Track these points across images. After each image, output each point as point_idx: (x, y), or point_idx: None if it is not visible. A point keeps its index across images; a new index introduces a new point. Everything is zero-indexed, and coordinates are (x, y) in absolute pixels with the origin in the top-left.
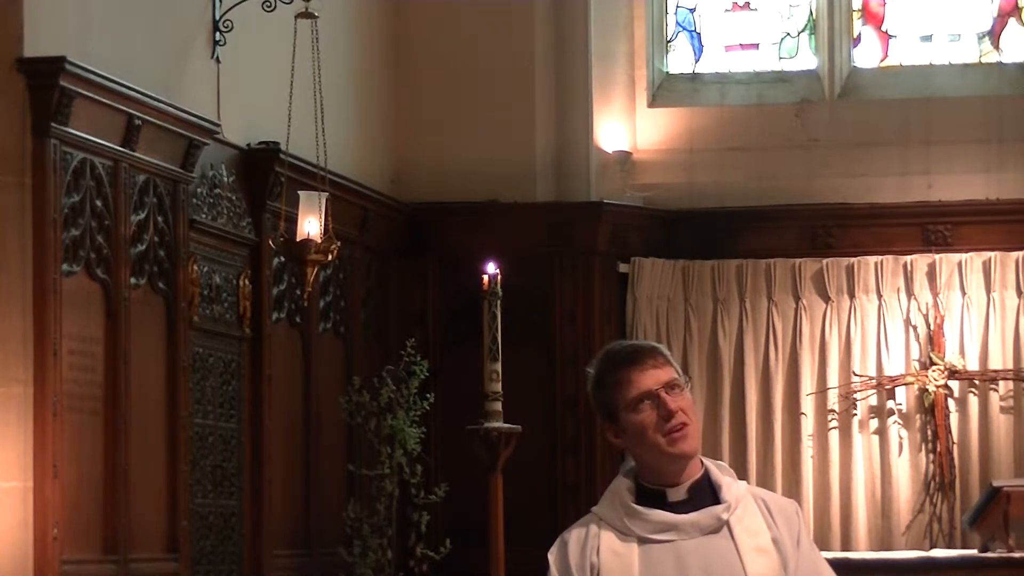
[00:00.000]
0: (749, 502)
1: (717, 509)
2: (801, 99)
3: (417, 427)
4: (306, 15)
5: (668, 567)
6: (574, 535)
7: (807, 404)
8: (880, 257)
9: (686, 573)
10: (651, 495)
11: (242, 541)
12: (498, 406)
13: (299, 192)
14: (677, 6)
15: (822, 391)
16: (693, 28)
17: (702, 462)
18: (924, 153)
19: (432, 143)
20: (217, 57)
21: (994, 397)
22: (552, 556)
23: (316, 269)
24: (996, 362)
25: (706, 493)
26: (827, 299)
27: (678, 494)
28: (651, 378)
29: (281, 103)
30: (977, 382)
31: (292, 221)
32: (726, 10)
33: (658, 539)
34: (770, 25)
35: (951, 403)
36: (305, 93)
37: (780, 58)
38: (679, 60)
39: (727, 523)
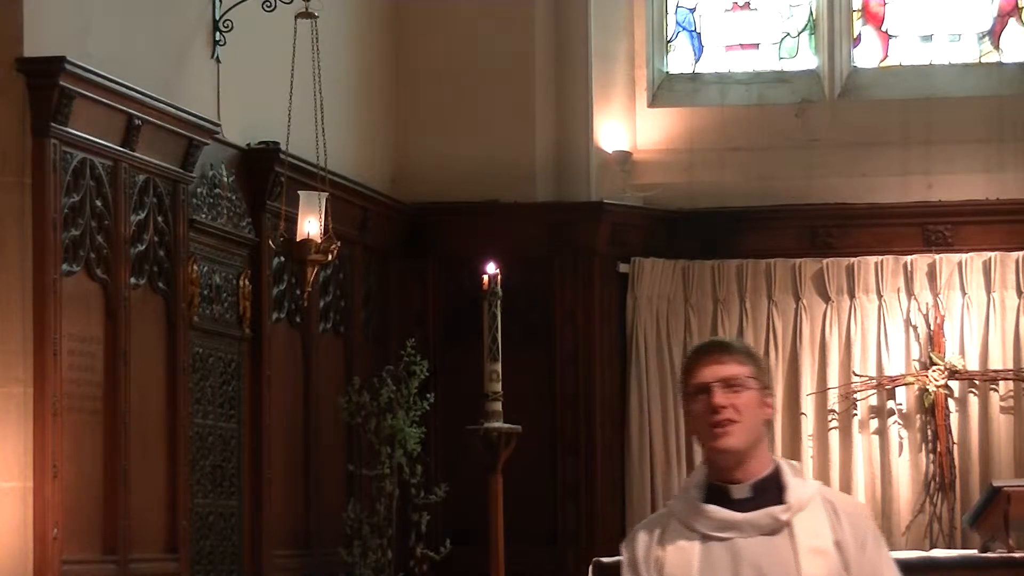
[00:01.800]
0: (817, 504)
1: (776, 510)
2: (801, 99)
3: (417, 427)
4: (306, 15)
5: (724, 565)
6: (645, 528)
7: (807, 404)
8: (880, 257)
9: (740, 572)
10: (717, 492)
11: (242, 541)
12: (498, 406)
13: (299, 192)
14: (677, 6)
15: (822, 391)
16: (693, 28)
17: (775, 461)
18: (924, 153)
19: (432, 143)
20: (217, 57)
21: (994, 397)
22: (623, 547)
23: (316, 269)
24: (996, 362)
25: (772, 492)
26: (827, 299)
27: (741, 492)
28: (710, 372)
29: (281, 103)
30: (977, 382)
31: (292, 221)
32: (726, 10)
33: (718, 536)
34: (770, 25)
35: (951, 403)
36: (305, 93)
37: (780, 58)
38: (679, 60)
39: (788, 524)
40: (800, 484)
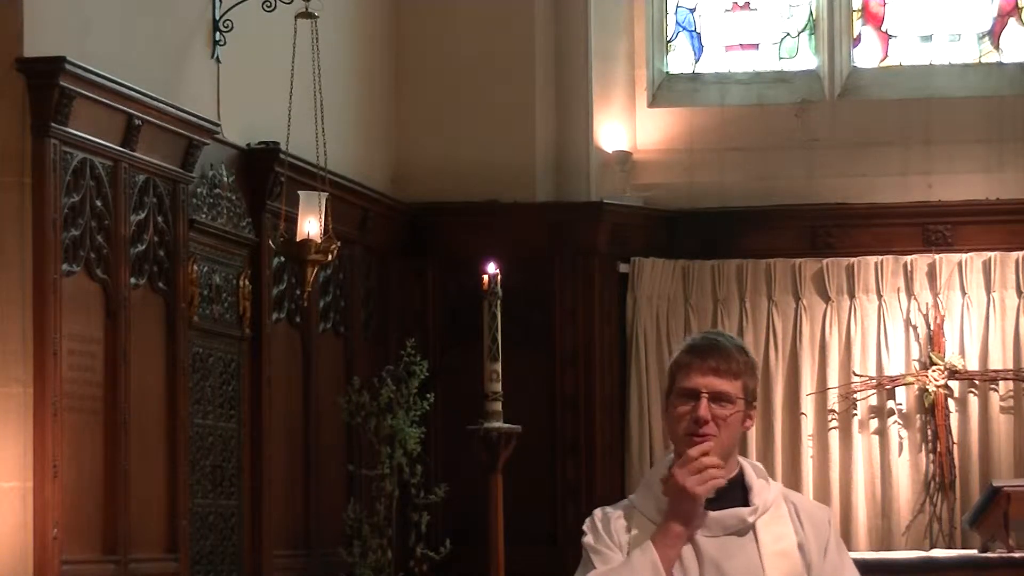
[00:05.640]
0: (780, 505)
1: (743, 511)
2: (801, 99)
3: (417, 427)
4: (306, 15)
5: (688, 560)
6: (611, 511)
7: (807, 404)
8: (880, 257)
9: (702, 569)
10: None
11: (242, 541)
12: (498, 406)
13: (299, 192)
14: (677, 6)
15: (822, 391)
16: (693, 28)
17: (739, 463)
18: (924, 153)
19: (432, 143)
20: (217, 57)
21: (994, 397)
22: (587, 525)
23: (316, 269)
24: (996, 362)
25: (737, 494)
26: (827, 299)
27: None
28: (704, 380)
29: (281, 103)
30: (977, 382)
31: (292, 221)
32: (726, 10)
33: None
34: (770, 25)
35: (951, 403)
36: (305, 93)
37: (780, 58)
38: (679, 60)
39: (753, 526)
40: (764, 486)
